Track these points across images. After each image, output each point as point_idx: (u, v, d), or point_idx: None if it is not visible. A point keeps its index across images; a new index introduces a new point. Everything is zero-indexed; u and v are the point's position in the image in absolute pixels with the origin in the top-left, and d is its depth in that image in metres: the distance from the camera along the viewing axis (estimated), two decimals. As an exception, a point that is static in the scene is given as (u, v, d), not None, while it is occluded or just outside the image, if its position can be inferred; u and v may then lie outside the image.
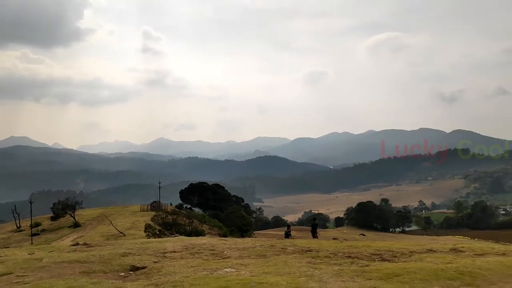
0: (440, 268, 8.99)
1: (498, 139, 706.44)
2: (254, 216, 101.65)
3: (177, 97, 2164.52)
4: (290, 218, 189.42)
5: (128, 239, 28.81)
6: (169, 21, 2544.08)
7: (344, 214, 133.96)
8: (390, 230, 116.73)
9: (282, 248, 12.58)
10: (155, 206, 62.17)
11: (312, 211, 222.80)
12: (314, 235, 29.05)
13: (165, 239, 18.94)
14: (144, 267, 10.01)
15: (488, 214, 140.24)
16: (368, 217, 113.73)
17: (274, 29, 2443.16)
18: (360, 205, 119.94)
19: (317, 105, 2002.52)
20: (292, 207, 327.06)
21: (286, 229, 32.99)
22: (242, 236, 48.98)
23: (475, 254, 11.70)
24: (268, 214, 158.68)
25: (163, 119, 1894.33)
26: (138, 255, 11.72)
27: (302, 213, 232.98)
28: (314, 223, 31.95)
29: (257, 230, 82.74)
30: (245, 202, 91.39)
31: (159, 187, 70.81)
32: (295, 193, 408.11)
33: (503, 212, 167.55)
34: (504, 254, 11.76)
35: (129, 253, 12.00)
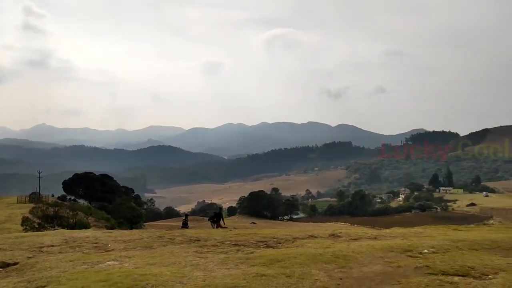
0: (319, 253, 9.60)
1: (376, 133, 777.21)
2: (145, 207, 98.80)
3: (62, 80, 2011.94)
4: (183, 208, 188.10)
5: (1, 233, 26.24)
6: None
7: (237, 203, 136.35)
8: (279, 218, 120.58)
9: (170, 239, 12.43)
10: (35, 197, 57.54)
11: (205, 201, 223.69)
12: (218, 224, 29.08)
13: (43, 232, 17.58)
14: (15, 263, 9.22)
15: (366, 202, 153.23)
16: (259, 206, 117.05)
17: (169, 15, 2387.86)
18: (252, 194, 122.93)
19: (214, 95, 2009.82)
20: (185, 197, 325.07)
21: (183, 219, 32.59)
22: (132, 228, 47.44)
23: (351, 239, 12.71)
24: (160, 205, 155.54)
25: (45, 104, 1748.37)
26: (10, 251, 10.74)
27: (196, 203, 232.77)
28: (220, 212, 31.87)
29: (148, 222, 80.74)
30: (135, 193, 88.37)
31: (39, 177, 65.67)
32: (188, 184, 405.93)
33: (379, 200, 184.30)
34: (375, 238, 12.94)
35: (0, 249, 10.96)
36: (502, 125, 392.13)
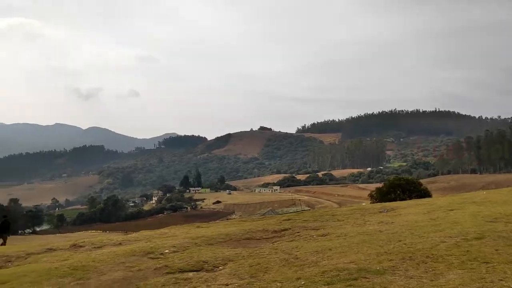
0: (54, 267, 8.92)
1: (130, 137, 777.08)
2: None
3: None
4: None
5: None
6: None
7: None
8: (20, 232, 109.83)
9: None
10: None
11: None
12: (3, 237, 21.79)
13: None
14: None
15: (118, 207, 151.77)
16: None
17: None
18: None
19: None
20: None
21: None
22: None
23: (94, 247, 12.23)
24: None
25: None
26: None
27: None
28: (6, 220, 23.57)
29: None
30: None
31: None
32: None
33: (132, 204, 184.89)
34: (120, 244, 12.80)
35: None
36: (241, 130, 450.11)
